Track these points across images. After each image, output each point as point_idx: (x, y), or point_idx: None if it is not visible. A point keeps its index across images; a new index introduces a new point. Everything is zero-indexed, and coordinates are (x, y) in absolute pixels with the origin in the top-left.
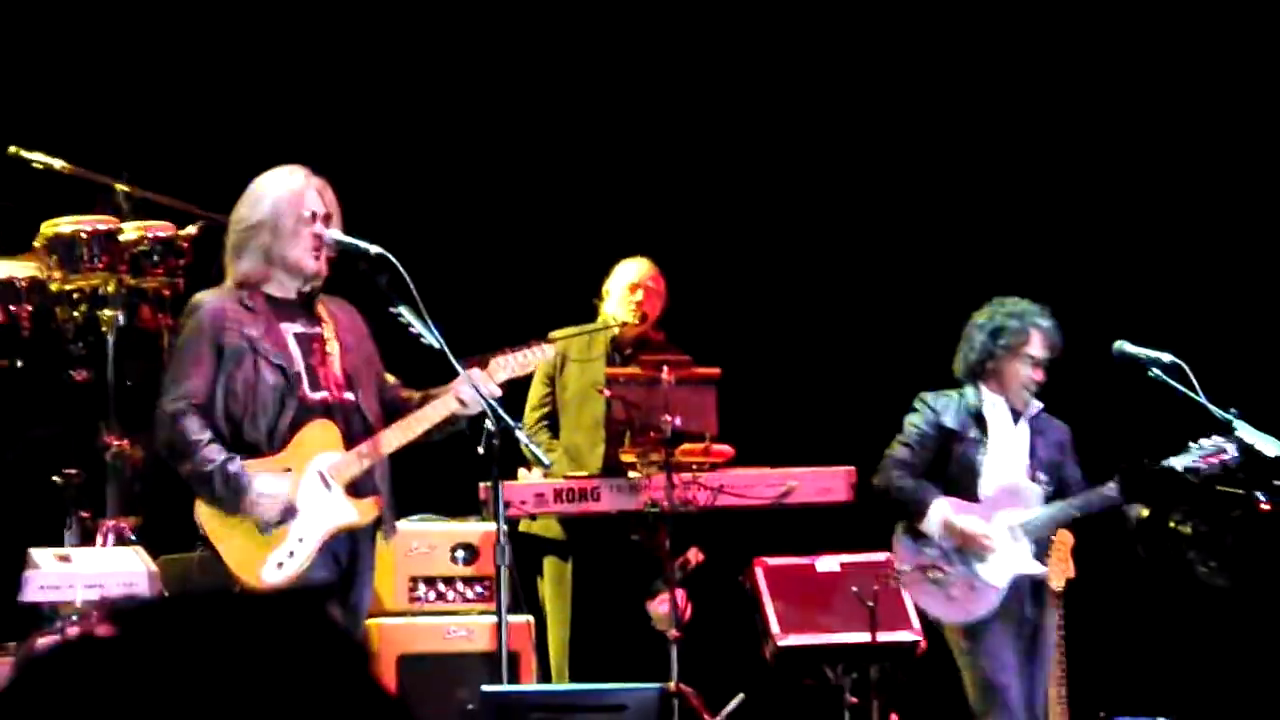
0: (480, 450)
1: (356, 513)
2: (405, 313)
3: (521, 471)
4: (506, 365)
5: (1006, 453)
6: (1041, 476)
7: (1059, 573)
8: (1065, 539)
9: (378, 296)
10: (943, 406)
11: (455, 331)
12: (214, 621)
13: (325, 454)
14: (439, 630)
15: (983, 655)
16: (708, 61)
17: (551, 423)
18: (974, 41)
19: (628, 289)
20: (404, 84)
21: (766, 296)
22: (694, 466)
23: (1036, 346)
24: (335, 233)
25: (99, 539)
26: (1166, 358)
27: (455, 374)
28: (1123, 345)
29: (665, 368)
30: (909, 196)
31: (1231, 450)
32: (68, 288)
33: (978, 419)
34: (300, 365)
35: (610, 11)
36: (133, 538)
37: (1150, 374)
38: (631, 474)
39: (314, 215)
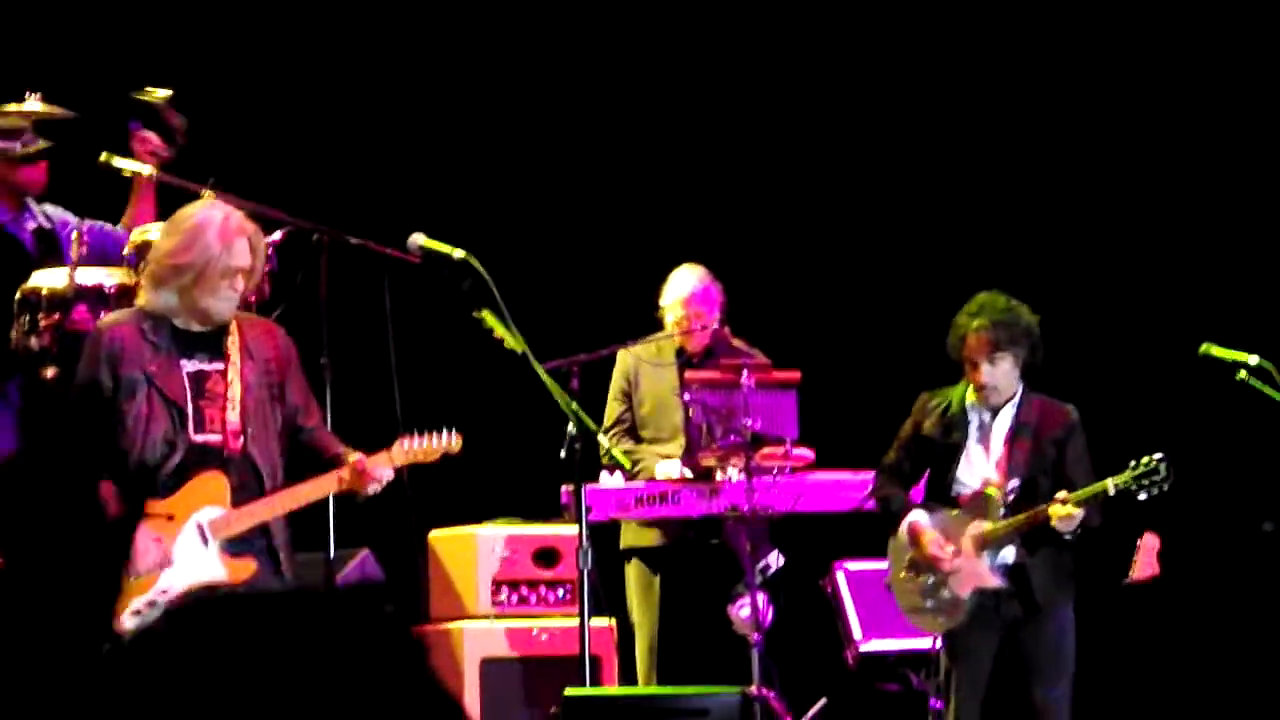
0: (562, 454)
1: (226, 572)
2: (487, 317)
3: (603, 475)
4: (410, 452)
5: (980, 458)
6: (1012, 483)
7: (1140, 574)
8: (1150, 542)
9: (461, 300)
10: (930, 409)
11: (534, 335)
12: (270, 617)
13: (209, 508)
14: (522, 634)
15: (955, 668)
16: (786, 62)
17: (632, 436)
18: (1060, 47)
19: (677, 304)
20: (485, 96)
21: (846, 299)
22: (774, 470)
23: (971, 349)
24: (420, 237)
25: None
26: (1253, 360)
27: (537, 378)
28: (1210, 347)
29: (745, 371)
30: (993, 198)
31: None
32: None
33: (959, 421)
34: (189, 406)
35: (682, 19)
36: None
37: (1238, 377)
38: (719, 476)
39: (240, 270)
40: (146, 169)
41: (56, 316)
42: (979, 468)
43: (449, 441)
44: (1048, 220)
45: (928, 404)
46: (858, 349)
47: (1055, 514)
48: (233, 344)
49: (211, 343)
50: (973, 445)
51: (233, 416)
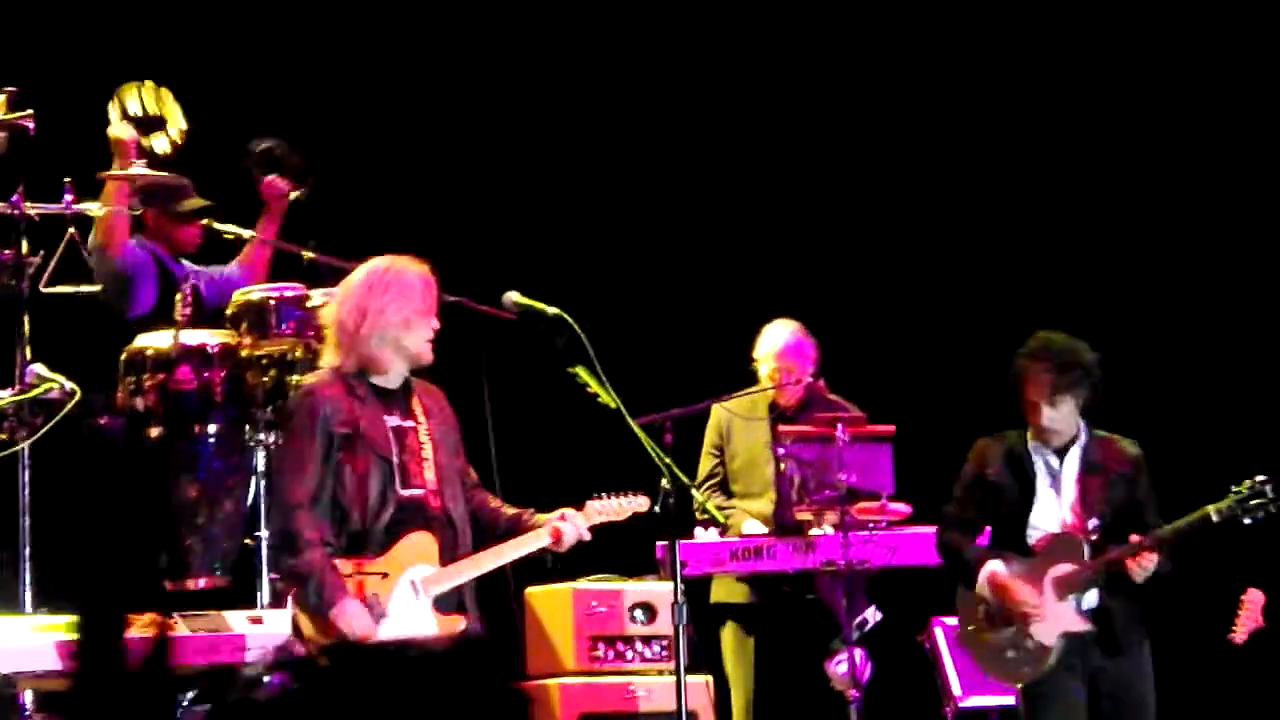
0: (656, 510)
1: (439, 627)
2: (582, 373)
3: (698, 531)
4: (603, 510)
5: (1052, 501)
6: (1092, 524)
7: (1244, 629)
8: (1255, 598)
9: (555, 356)
10: (991, 456)
11: (628, 392)
12: (383, 672)
13: (420, 565)
14: (619, 689)
15: (1043, 714)
16: (878, 121)
17: (723, 491)
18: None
19: (769, 358)
20: (578, 155)
21: (942, 352)
22: (870, 525)
23: (1033, 389)
24: (515, 294)
25: (289, 602)
26: None
27: (631, 433)
28: None
29: (840, 425)
30: (1082, 253)
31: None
32: (258, 353)
33: (1022, 464)
34: (396, 460)
35: (768, 75)
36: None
37: None
38: (813, 531)
39: (433, 311)
40: (248, 233)
41: (161, 377)
42: (1051, 511)
43: (638, 503)
44: (1147, 272)
45: (987, 450)
46: (954, 402)
47: (1134, 565)
48: (416, 403)
49: (402, 400)
50: (1043, 489)
51: (430, 475)
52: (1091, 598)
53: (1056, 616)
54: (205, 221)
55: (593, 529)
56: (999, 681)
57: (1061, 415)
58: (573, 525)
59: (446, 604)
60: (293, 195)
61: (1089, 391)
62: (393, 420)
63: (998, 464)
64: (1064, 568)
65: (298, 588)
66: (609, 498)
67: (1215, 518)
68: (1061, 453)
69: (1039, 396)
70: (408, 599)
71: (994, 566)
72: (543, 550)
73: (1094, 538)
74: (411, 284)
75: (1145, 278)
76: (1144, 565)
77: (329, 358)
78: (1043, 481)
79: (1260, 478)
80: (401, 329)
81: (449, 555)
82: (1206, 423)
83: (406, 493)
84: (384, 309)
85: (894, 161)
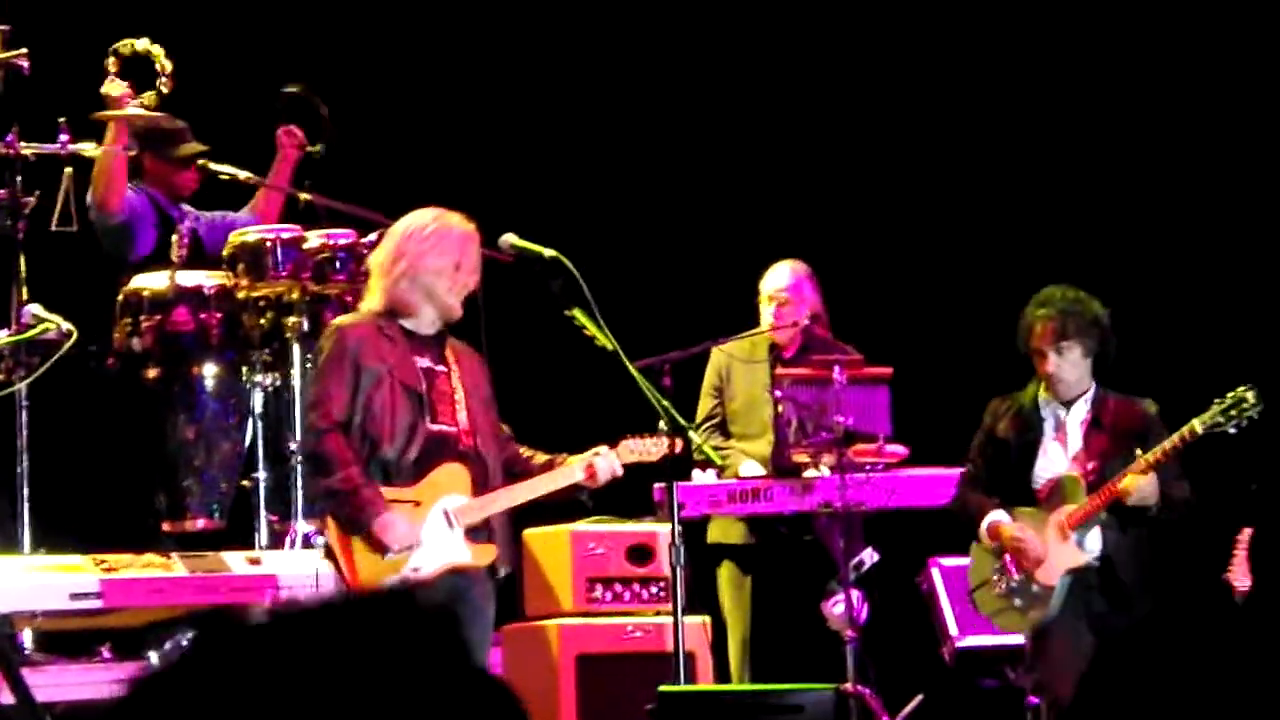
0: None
1: (471, 555)
2: (579, 315)
3: (695, 472)
4: (636, 449)
5: (1058, 453)
6: (1091, 465)
7: (1243, 573)
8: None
9: (552, 299)
10: (1001, 413)
11: (625, 335)
12: (322, 619)
13: (453, 495)
14: (616, 630)
15: (1044, 665)
16: (881, 62)
17: (722, 432)
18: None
19: (768, 299)
20: (575, 96)
21: (940, 293)
22: (867, 467)
23: (1037, 338)
24: (511, 237)
25: (287, 542)
26: None
27: (629, 376)
28: None
29: (837, 367)
30: (1088, 196)
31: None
32: (254, 295)
33: (1033, 419)
34: (425, 396)
35: (772, 18)
36: (318, 541)
37: None
38: (808, 473)
39: (473, 269)
40: (243, 173)
41: (158, 318)
42: (1056, 462)
43: (671, 444)
44: (1137, 217)
45: (998, 409)
46: (952, 344)
47: (1128, 485)
48: (449, 353)
49: (435, 347)
50: (1049, 441)
51: (462, 416)
52: (1095, 540)
53: (1059, 557)
54: (200, 162)
55: (626, 467)
56: (1010, 632)
57: (1069, 364)
58: (607, 461)
59: (477, 535)
60: (309, 149)
61: (1097, 343)
62: (423, 362)
63: (1006, 420)
64: (1065, 509)
65: (333, 507)
66: (642, 438)
67: (1200, 429)
68: (1069, 406)
69: (1045, 344)
70: (440, 528)
71: (995, 516)
72: (576, 487)
73: (1092, 479)
74: (454, 237)
75: (1131, 204)
76: (1142, 491)
77: (367, 300)
78: (1048, 434)
79: (1242, 386)
80: (435, 277)
81: (480, 489)
82: (1192, 344)
83: (436, 427)
84: (422, 255)
85: (894, 103)
